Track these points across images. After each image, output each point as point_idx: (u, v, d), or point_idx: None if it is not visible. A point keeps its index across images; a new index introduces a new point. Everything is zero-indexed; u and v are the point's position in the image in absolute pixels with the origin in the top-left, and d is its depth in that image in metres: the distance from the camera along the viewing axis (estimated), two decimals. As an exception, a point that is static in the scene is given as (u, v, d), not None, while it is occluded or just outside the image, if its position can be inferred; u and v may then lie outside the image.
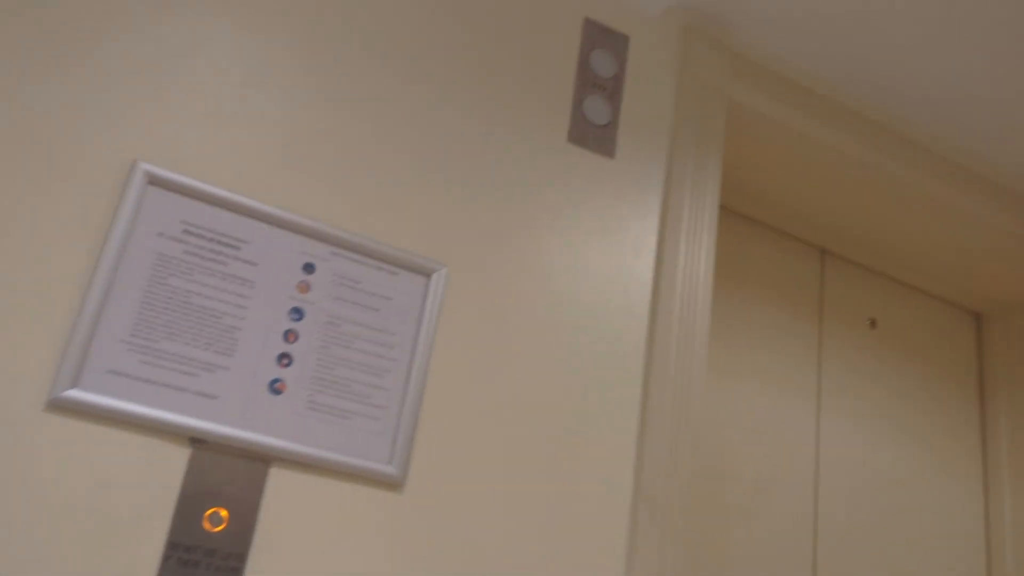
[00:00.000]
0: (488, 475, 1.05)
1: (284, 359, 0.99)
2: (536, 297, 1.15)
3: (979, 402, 1.88)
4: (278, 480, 0.95)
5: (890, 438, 1.73)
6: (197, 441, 0.92)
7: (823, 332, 1.74)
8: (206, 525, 0.90)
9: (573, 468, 1.10)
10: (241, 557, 0.91)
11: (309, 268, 1.03)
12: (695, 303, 1.26)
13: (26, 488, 0.83)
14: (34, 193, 0.91)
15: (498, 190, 1.17)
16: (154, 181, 0.97)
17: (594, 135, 1.27)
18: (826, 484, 1.62)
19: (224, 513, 0.91)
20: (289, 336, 1.00)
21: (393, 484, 1.00)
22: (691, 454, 1.17)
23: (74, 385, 0.87)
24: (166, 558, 0.87)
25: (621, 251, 1.24)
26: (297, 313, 1.01)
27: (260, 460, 0.95)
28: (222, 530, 0.91)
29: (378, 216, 1.09)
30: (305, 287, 1.02)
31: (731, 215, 1.70)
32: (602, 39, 1.32)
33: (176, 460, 0.91)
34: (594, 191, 1.24)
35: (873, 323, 1.81)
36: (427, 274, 1.09)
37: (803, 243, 1.78)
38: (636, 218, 1.26)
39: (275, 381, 0.97)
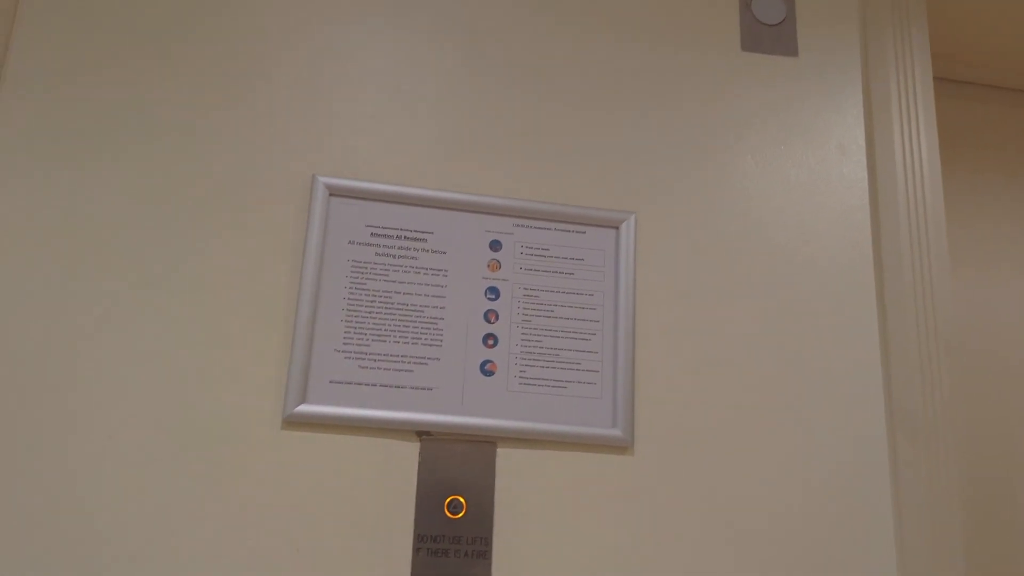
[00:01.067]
0: (719, 424, 1.00)
1: (489, 339, 0.98)
2: (736, 225, 1.07)
3: None
4: (507, 459, 0.95)
5: None
6: (424, 434, 0.94)
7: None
8: (447, 513, 0.92)
9: (811, 405, 1.02)
10: (486, 540, 0.92)
11: (496, 245, 1.01)
12: (923, 192, 1.11)
13: (277, 500, 0.89)
14: (230, 221, 0.96)
15: (674, 121, 1.10)
16: (335, 192, 0.99)
17: (769, 36, 1.14)
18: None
19: (462, 500, 0.93)
20: (490, 316, 0.99)
21: (621, 447, 0.97)
22: (945, 364, 1.04)
23: (303, 400, 0.92)
24: (416, 550, 0.91)
25: (824, 155, 1.11)
26: (493, 292, 1.00)
27: (486, 443, 0.95)
28: (463, 516, 0.92)
29: (554, 177, 1.05)
30: (496, 265, 1.01)
31: (950, 84, 1.49)
32: (760, -73, 1.19)
33: (408, 455, 0.93)
34: (782, 97, 1.13)
35: None
36: (615, 226, 1.04)
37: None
38: (835, 114, 1.13)
39: (485, 363, 0.97)
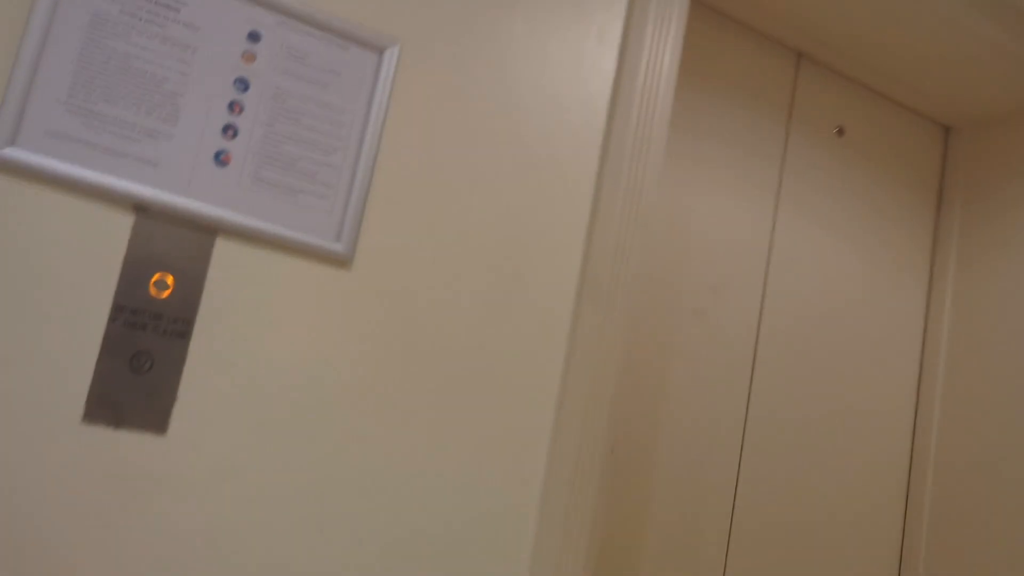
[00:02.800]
0: (436, 256, 1.07)
1: (229, 131, 0.97)
2: (493, 81, 1.13)
3: (935, 214, 1.91)
4: (225, 251, 0.96)
5: (844, 245, 1.77)
6: (140, 208, 0.92)
7: (790, 136, 1.72)
8: (152, 290, 0.92)
9: (521, 252, 1.13)
10: (188, 322, 0.93)
11: (255, 37, 0.99)
12: (656, 96, 1.23)
13: (-32, 244, 0.84)
14: (-49, -65, 0.85)
15: (458, -36, 1.11)
16: (84, -70, 0.90)
17: (564, -92, 1.18)
18: (775, 286, 1.67)
19: (170, 279, 0.93)
20: (234, 107, 0.97)
21: (341, 261, 1.02)
22: (640, 248, 1.19)
23: (12, 143, 0.86)
24: (112, 319, 0.90)
25: (584, 38, 1.19)
26: (242, 84, 0.98)
27: (205, 230, 0.95)
28: (168, 296, 0.93)
29: (328, -16, 1.03)
30: (251, 57, 0.98)
31: (704, 9, 1.63)
32: None
33: (120, 226, 0.91)
34: (561, -28, 1.18)
35: (841, 131, 1.79)
36: (379, 50, 1.05)
37: (779, 44, 1.73)
38: (602, 5, 1.21)
39: (220, 153, 0.96)
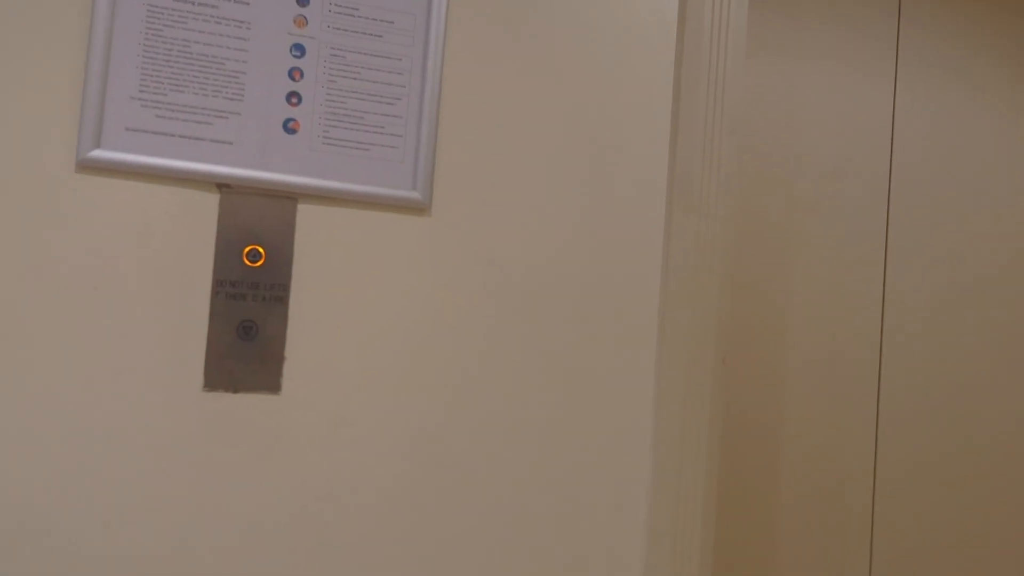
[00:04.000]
0: (514, 195, 1.07)
1: (293, 98, 0.99)
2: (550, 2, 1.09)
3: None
4: (307, 215, 1.00)
5: (982, 104, 1.60)
6: (223, 186, 0.97)
7: (903, 2, 1.57)
8: (246, 261, 0.97)
9: (601, 174, 1.10)
10: (284, 287, 0.98)
11: (303, 1, 1.00)
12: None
13: (74, 243, 0.91)
14: (12, -41, 0.91)
15: None
16: (127, -72, 0.94)
17: None
18: (901, 166, 1.54)
19: (261, 250, 0.98)
20: (294, 74, 0.99)
21: (419, 208, 1.03)
22: (727, 144, 1.13)
23: (98, 145, 0.92)
24: (215, 294, 0.96)
25: (643, -66, 1.12)
26: (299, 50, 1.00)
27: (286, 198, 0.99)
28: (262, 264, 0.98)
29: (366, -68, 1.02)
30: (302, 21, 1.00)
31: None
32: None
33: (207, 206, 0.96)
34: None
35: (966, -20, 1.61)
36: (427, -10, 1.04)
37: None
38: None
39: (288, 121, 0.99)
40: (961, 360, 1.56)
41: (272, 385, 0.98)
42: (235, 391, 0.96)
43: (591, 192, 1.09)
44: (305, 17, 1.00)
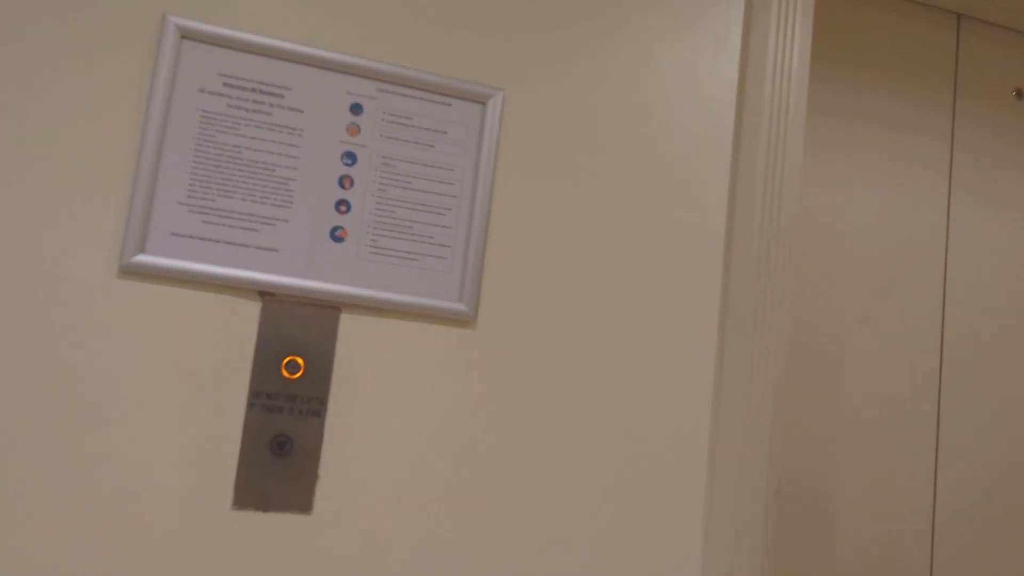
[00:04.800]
0: (561, 310, 1.03)
1: (342, 206, 0.97)
2: (605, 112, 1.07)
3: None
4: (350, 325, 0.96)
5: (1035, 223, 1.56)
6: (266, 294, 0.94)
7: (957, 107, 1.54)
8: (284, 373, 0.94)
9: (654, 290, 1.06)
10: (321, 400, 0.95)
11: (357, 109, 0.99)
12: (788, 96, 1.13)
13: (110, 350, 0.88)
14: (70, 63, 0.90)
15: (556, -3, 1.07)
16: (187, 35, 0.93)
17: (662, -83, 1.11)
18: (957, 283, 1.50)
19: (300, 361, 0.94)
20: (345, 182, 0.98)
21: (464, 321, 1.00)
22: (785, 266, 1.10)
23: (142, 250, 0.90)
24: (250, 405, 0.92)
25: (700, 49, 1.11)
26: (350, 158, 0.98)
27: (330, 307, 0.96)
28: (300, 376, 0.94)
29: (423, 44, 1.02)
30: (355, 129, 0.99)
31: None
32: None
33: (248, 314, 0.93)
34: (667, -17, 1.11)
35: (1020, 93, 1.59)
36: (482, 101, 1.02)
37: (932, 7, 1.55)
38: (716, 8, 1.12)
39: (336, 229, 0.97)
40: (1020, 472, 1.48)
41: (304, 505, 0.93)
42: (265, 510, 0.92)
43: (641, 310, 1.05)
44: (358, 125, 0.99)
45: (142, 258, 0.90)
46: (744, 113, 1.11)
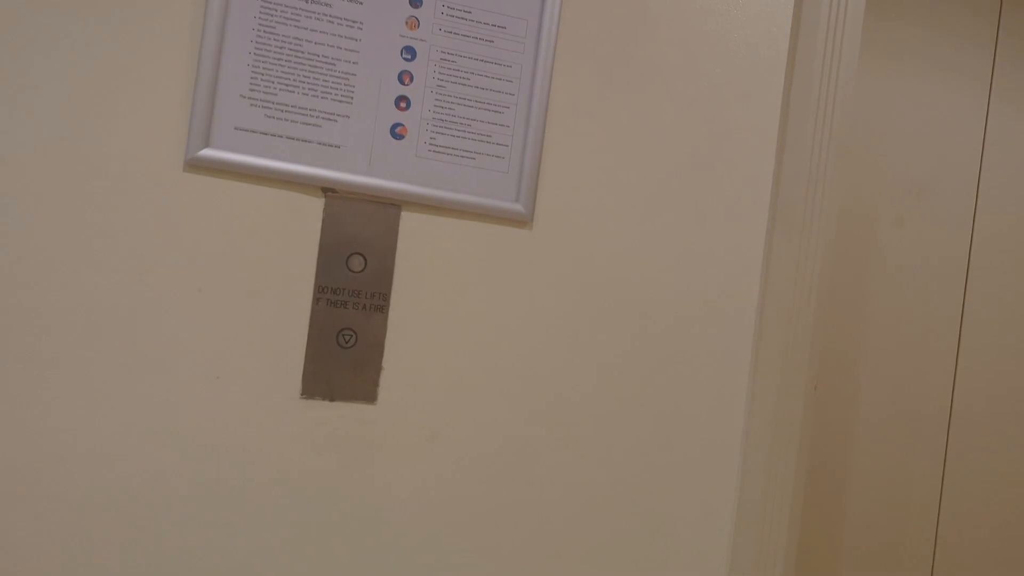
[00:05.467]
0: (616, 210, 1.04)
1: (402, 102, 0.97)
2: (664, 9, 1.05)
3: None
4: (410, 222, 0.98)
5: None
6: (329, 191, 0.95)
7: (1003, 16, 1.52)
8: (348, 268, 0.95)
9: (707, 191, 1.07)
10: (384, 295, 0.97)
11: (416, 1, 0.97)
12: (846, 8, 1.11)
13: (178, 242, 0.90)
14: (129, -52, 0.88)
15: None
16: (245, -80, 0.91)
17: None
18: (990, 186, 1.51)
19: (363, 257, 0.96)
20: (404, 77, 0.97)
21: (521, 221, 1.01)
22: (836, 176, 1.10)
23: (207, 144, 0.90)
24: (316, 300, 0.94)
25: (761, -55, 1.08)
26: (409, 52, 0.97)
27: (391, 205, 0.97)
28: (363, 272, 0.96)
29: (484, -67, 0.99)
30: (414, 23, 0.97)
31: None
32: None
33: (312, 210, 0.94)
34: None
35: (1066, -5, 1.56)
36: (542, -4, 1.00)
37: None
38: (780, -99, 1.09)
39: (396, 126, 0.97)
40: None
41: (369, 395, 0.96)
42: (332, 400, 0.95)
43: (693, 210, 1.07)
44: (417, 19, 0.97)
45: (208, 152, 0.90)
46: (802, 12, 1.09)
